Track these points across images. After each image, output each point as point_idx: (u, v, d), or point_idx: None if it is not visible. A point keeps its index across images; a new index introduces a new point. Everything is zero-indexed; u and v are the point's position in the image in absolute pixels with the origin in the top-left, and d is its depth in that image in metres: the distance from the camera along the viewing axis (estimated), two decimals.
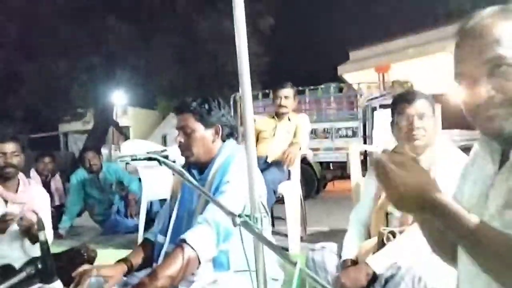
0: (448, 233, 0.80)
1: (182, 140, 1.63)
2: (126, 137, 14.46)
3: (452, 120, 4.87)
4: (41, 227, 1.20)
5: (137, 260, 1.62)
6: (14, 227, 2.12)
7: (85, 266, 1.37)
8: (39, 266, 1.19)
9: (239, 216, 1.09)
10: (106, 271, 1.42)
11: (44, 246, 1.19)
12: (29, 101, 11.41)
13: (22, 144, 2.32)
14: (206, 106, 1.65)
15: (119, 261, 1.58)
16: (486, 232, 0.74)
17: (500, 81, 0.79)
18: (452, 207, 0.78)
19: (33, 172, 4.35)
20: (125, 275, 1.53)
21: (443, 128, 4.30)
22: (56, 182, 4.67)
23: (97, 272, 1.37)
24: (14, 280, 1.18)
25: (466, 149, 1.81)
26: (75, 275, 1.31)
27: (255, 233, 1.08)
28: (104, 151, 10.89)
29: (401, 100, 1.84)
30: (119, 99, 14.06)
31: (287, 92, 3.44)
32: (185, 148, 1.62)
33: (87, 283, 1.31)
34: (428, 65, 9.77)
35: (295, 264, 0.92)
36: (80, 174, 4.31)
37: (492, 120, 0.80)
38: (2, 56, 10.09)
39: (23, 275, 1.18)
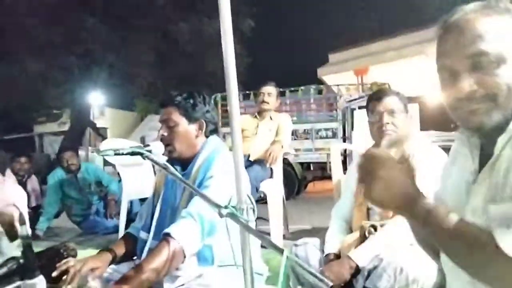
0: (425, 231, 0.83)
1: (165, 134, 1.62)
2: (104, 139, 14.19)
3: (430, 121, 5.00)
4: (23, 221, 1.17)
5: (120, 251, 1.63)
6: None
7: (71, 261, 1.35)
8: (21, 261, 1.15)
9: (225, 207, 1.10)
10: (93, 263, 1.43)
11: (26, 241, 1.17)
12: (1, 102, 11.07)
13: None
14: (191, 101, 1.65)
15: (101, 251, 1.58)
16: (463, 230, 0.77)
17: (482, 75, 0.81)
18: (429, 207, 0.80)
19: (8, 172, 4.23)
20: (109, 264, 1.53)
21: (421, 129, 4.41)
22: (33, 183, 4.57)
23: (85, 266, 1.37)
24: None
25: (443, 150, 1.87)
26: (60, 271, 1.30)
27: (242, 224, 1.09)
28: (81, 152, 10.69)
29: (372, 98, 1.91)
30: (96, 100, 13.82)
31: (271, 89, 3.52)
32: (167, 142, 1.61)
33: (77, 279, 1.30)
34: (406, 68, 10.00)
35: (282, 252, 0.93)
36: (58, 174, 4.22)
37: (473, 114, 0.82)
38: None
39: (3, 270, 1.15)
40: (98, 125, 14.35)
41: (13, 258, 1.20)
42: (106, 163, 8.95)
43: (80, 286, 1.33)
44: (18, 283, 1.33)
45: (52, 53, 10.15)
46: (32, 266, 1.17)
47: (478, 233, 0.76)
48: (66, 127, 13.68)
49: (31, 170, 4.67)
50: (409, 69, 9.93)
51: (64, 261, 1.37)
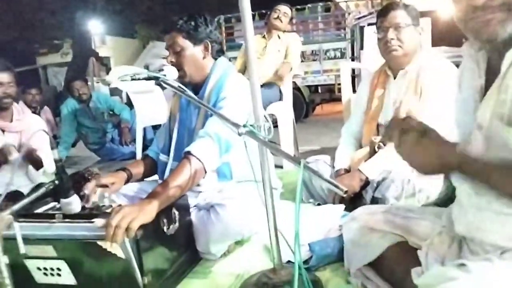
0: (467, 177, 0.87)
1: (174, 60, 1.64)
2: (107, 68, 14.02)
3: (442, 37, 4.84)
4: (54, 146, 1.25)
5: (136, 170, 1.72)
6: (16, 155, 2.17)
7: (89, 185, 1.46)
8: (56, 182, 1.25)
9: (244, 126, 1.15)
10: (107, 179, 1.55)
11: (59, 164, 1.24)
12: (2, 35, 10.83)
13: (15, 75, 2.29)
14: (193, 23, 1.63)
15: (117, 170, 1.68)
16: (497, 170, 0.80)
17: None
18: (468, 160, 0.83)
19: (22, 104, 4.29)
20: (125, 183, 1.65)
21: (433, 45, 4.29)
22: (47, 114, 4.64)
23: (99, 181, 1.49)
24: (35, 195, 1.24)
25: (456, 66, 1.86)
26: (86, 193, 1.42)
27: (260, 140, 1.15)
28: None
29: (379, 14, 1.88)
30: (96, 29, 13.41)
31: (286, 9, 3.45)
32: (177, 68, 1.64)
33: (95, 195, 1.42)
34: None
35: (299, 163, 1.00)
36: (70, 104, 4.28)
37: (487, 25, 0.81)
38: None
39: (42, 190, 1.25)
40: (100, 55, 14.10)
41: (41, 185, 1.28)
42: (112, 93, 8.96)
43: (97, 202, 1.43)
44: (53, 203, 1.45)
45: None
46: (66, 186, 1.26)
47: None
48: (68, 58, 13.47)
49: (42, 101, 4.72)
50: None
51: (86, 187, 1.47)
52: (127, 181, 1.67)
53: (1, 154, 2.06)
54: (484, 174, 0.82)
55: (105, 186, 1.52)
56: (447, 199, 1.55)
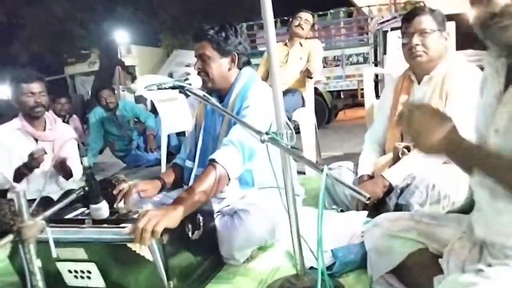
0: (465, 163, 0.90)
1: (200, 67, 1.68)
2: (133, 77, 14.35)
3: (468, 39, 4.74)
4: (83, 153, 1.30)
5: (169, 179, 1.80)
6: (47, 163, 2.25)
7: (125, 185, 1.52)
8: (86, 188, 1.29)
9: (267, 133, 1.17)
10: (143, 185, 1.63)
11: (88, 171, 1.29)
12: (32, 46, 11.26)
13: (46, 85, 2.38)
14: (223, 34, 1.67)
15: (153, 178, 1.76)
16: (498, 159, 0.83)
17: None
18: (468, 145, 0.87)
19: (51, 113, 4.44)
20: (159, 191, 1.72)
21: (458, 48, 4.21)
22: (75, 122, 4.78)
23: (136, 188, 1.56)
24: (66, 201, 1.29)
25: (481, 69, 1.83)
26: (117, 193, 1.50)
27: (283, 147, 1.17)
28: None
29: (404, 19, 1.86)
30: (122, 38, 13.77)
31: (308, 16, 3.46)
32: (203, 74, 1.68)
33: (131, 198, 1.48)
34: None
35: (322, 170, 1.01)
36: (97, 112, 4.40)
37: (506, 30, 0.82)
38: (1, 1, 9.80)
39: (73, 196, 1.30)
40: (126, 64, 14.45)
41: (71, 191, 1.34)
42: (137, 100, 9.15)
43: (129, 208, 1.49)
44: (82, 209, 1.51)
45: None
46: (96, 192, 1.31)
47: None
48: (95, 67, 13.86)
49: (71, 110, 4.87)
50: None
51: (121, 187, 1.54)
52: (161, 190, 1.74)
53: (33, 159, 2.13)
54: (490, 165, 0.84)
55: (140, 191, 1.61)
56: (472, 205, 1.53)
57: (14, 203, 1.03)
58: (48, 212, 1.24)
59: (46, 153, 2.18)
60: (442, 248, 1.06)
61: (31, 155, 2.13)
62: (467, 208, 1.30)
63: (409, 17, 1.84)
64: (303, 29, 3.41)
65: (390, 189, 1.75)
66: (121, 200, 1.50)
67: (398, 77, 2.03)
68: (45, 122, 2.42)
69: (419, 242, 1.11)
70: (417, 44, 1.78)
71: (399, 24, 1.91)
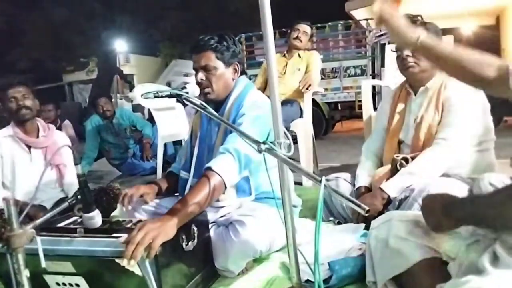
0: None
1: (204, 78, 1.65)
2: (131, 85, 14.37)
3: None
4: (77, 161, 1.27)
5: (164, 185, 1.82)
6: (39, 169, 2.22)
7: (131, 190, 1.62)
8: (79, 197, 1.27)
9: (264, 143, 1.15)
10: (144, 189, 1.69)
11: (81, 179, 1.26)
12: (32, 52, 11.28)
13: (32, 89, 2.33)
14: (225, 43, 1.66)
15: (148, 183, 1.79)
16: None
17: None
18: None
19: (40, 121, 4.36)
20: (156, 195, 1.76)
21: None
22: (67, 129, 4.68)
23: (137, 191, 1.65)
24: (58, 209, 1.26)
25: None
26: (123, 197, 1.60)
27: (280, 158, 1.14)
28: None
29: None
30: (121, 47, 13.83)
31: (307, 28, 3.47)
32: (206, 86, 1.66)
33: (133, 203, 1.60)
34: None
35: (320, 181, 0.99)
36: (94, 120, 4.38)
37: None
38: (2, 8, 9.84)
39: (65, 204, 1.27)
40: (124, 72, 14.48)
41: (64, 199, 1.32)
42: (134, 109, 9.14)
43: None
44: (75, 217, 1.48)
45: (76, 1, 10.10)
46: (89, 201, 1.28)
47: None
48: (94, 75, 13.88)
49: (59, 116, 4.73)
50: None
51: (125, 192, 1.62)
52: (158, 193, 1.78)
53: None
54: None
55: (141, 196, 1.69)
56: None
57: (4, 211, 1.00)
58: (39, 221, 1.21)
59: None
60: (453, 254, 1.03)
61: None
62: None
63: None
64: (301, 41, 3.43)
65: (388, 201, 1.73)
66: (126, 203, 1.58)
67: (395, 89, 2.04)
68: (38, 129, 2.39)
69: (431, 249, 1.06)
70: (408, 55, 1.79)
71: None
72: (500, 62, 0.96)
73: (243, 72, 1.78)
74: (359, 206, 0.92)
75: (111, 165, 4.59)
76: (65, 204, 1.30)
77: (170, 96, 1.49)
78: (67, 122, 4.87)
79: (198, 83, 1.65)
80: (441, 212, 1.00)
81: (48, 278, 1.29)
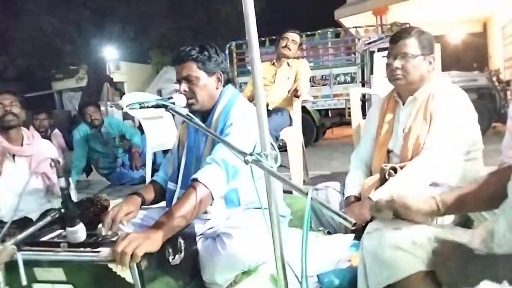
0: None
1: (187, 89, 1.64)
2: (121, 93, 14.30)
3: (452, 61, 4.85)
4: (60, 174, 1.24)
5: (149, 196, 1.72)
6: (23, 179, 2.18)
7: (112, 213, 1.49)
8: (62, 210, 1.24)
9: (251, 154, 1.14)
10: (127, 207, 1.55)
11: (65, 192, 1.24)
12: (21, 60, 11.18)
13: (20, 99, 2.31)
14: (206, 53, 1.65)
15: (130, 194, 1.67)
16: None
17: None
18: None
19: (32, 129, 4.31)
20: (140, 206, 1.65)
21: (443, 69, 4.29)
22: (57, 138, 4.64)
23: (121, 211, 1.51)
24: (40, 223, 1.24)
25: (466, 91, 1.85)
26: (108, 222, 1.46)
27: (267, 170, 1.13)
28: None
29: (391, 40, 1.88)
30: (111, 54, 13.77)
31: (295, 36, 3.46)
32: (190, 97, 1.64)
33: (116, 224, 1.47)
34: (427, 6, 9.51)
35: (306, 194, 0.98)
36: (82, 129, 4.33)
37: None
38: None
39: (48, 219, 1.24)
40: (114, 80, 14.41)
41: (53, 209, 1.28)
42: (125, 117, 9.08)
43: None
44: (59, 231, 1.44)
45: (65, 8, 10.04)
46: (73, 215, 1.25)
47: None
48: (83, 83, 13.80)
49: (52, 125, 4.72)
50: (430, 7, 9.45)
51: (109, 215, 1.49)
52: (141, 205, 1.67)
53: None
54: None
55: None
56: (465, 220, 1.53)
57: None
58: (21, 236, 1.18)
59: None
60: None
61: None
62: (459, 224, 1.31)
63: (395, 38, 1.85)
64: (290, 49, 3.42)
65: None
66: (109, 227, 1.45)
67: (384, 97, 2.04)
68: (23, 137, 2.35)
69: (424, 263, 1.01)
70: (397, 67, 1.80)
71: (385, 44, 1.94)
72: None
73: (228, 81, 1.76)
74: (345, 219, 0.91)
75: (100, 175, 4.54)
76: (48, 218, 1.27)
77: (156, 106, 1.47)
78: (56, 131, 4.82)
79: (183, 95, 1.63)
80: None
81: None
